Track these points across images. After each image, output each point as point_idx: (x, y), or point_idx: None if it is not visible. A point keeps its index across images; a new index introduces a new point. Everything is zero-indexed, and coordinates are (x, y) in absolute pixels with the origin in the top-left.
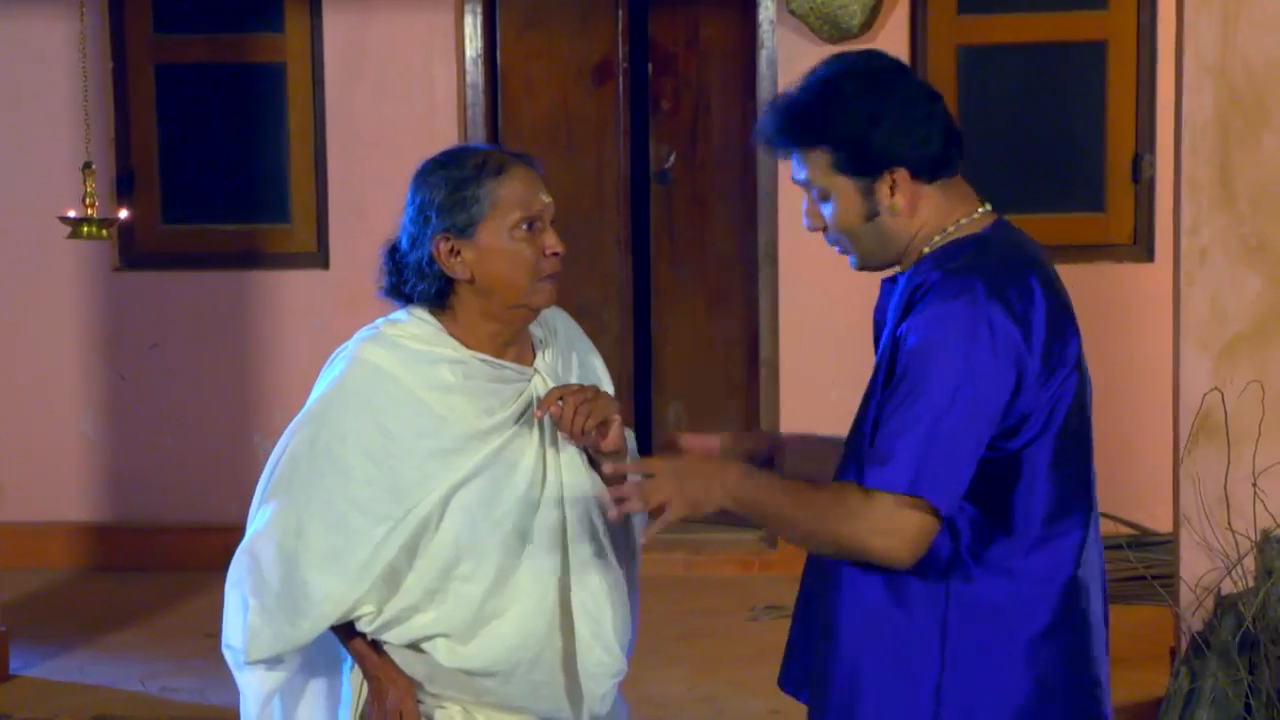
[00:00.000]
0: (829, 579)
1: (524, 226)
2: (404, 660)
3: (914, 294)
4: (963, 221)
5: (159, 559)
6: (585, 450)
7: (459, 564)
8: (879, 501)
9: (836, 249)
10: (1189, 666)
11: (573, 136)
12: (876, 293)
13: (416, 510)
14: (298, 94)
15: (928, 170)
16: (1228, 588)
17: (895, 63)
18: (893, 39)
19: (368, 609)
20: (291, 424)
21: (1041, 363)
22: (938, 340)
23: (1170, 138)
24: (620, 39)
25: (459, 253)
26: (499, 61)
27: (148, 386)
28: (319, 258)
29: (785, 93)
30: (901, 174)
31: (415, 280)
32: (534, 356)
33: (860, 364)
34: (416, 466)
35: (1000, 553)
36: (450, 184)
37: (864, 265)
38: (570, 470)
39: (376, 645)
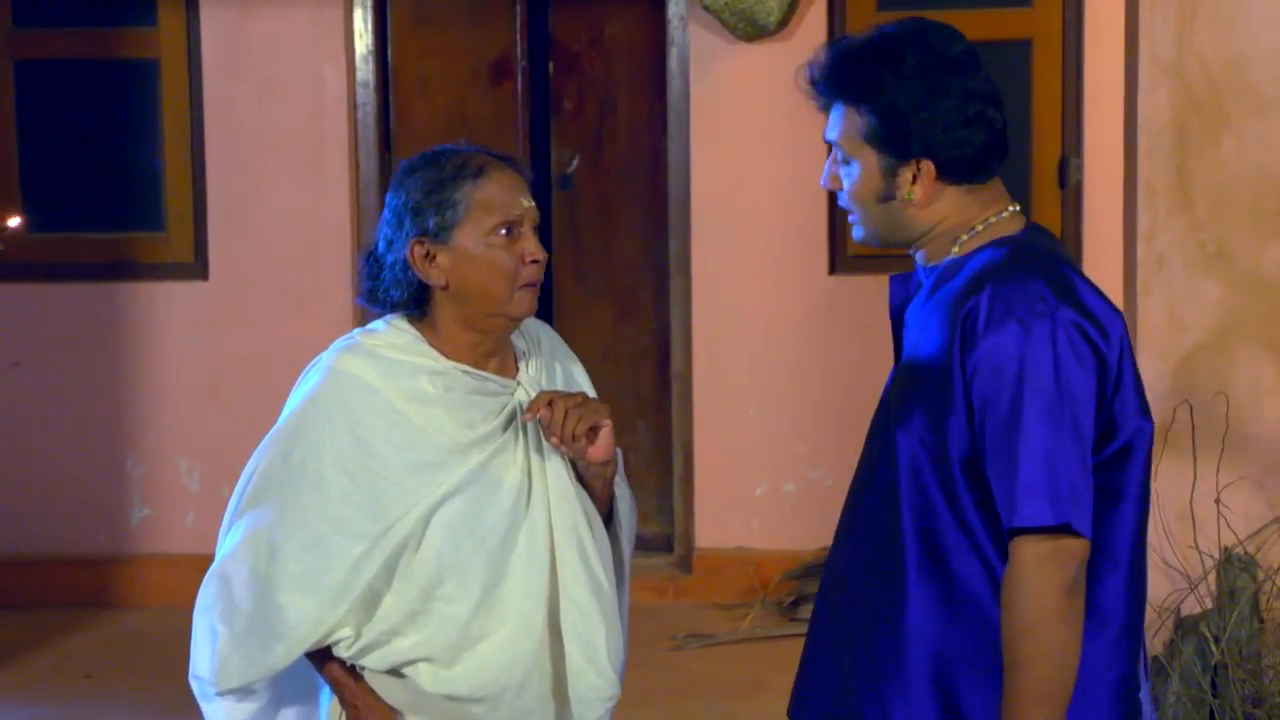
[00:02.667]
0: (889, 611)
1: (501, 232)
2: (384, 687)
3: (966, 316)
4: (991, 220)
5: (26, 595)
6: (573, 465)
7: (442, 584)
8: (1027, 549)
9: (850, 217)
10: (1150, 691)
11: (469, 138)
12: (795, 301)
13: (396, 528)
14: (173, 92)
15: (956, 172)
16: (1186, 608)
17: (970, 51)
18: (810, 36)
19: (346, 632)
20: (263, 441)
21: (1119, 370)
22: (1025, 362)
23: (1100, 141)
24: (519, 36)
25: (434, 258)
26: (390, 59)
27: (10, 408)
28: (197, 268)
29: (850, 37)
30: (928, 167)
31: (391, 286)
32: (517, 369)
33: (778, 376)
34: (395, 482)
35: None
36: (427, 186)
37: (866, 239)
38: (558, 486)
39: (355, 672)
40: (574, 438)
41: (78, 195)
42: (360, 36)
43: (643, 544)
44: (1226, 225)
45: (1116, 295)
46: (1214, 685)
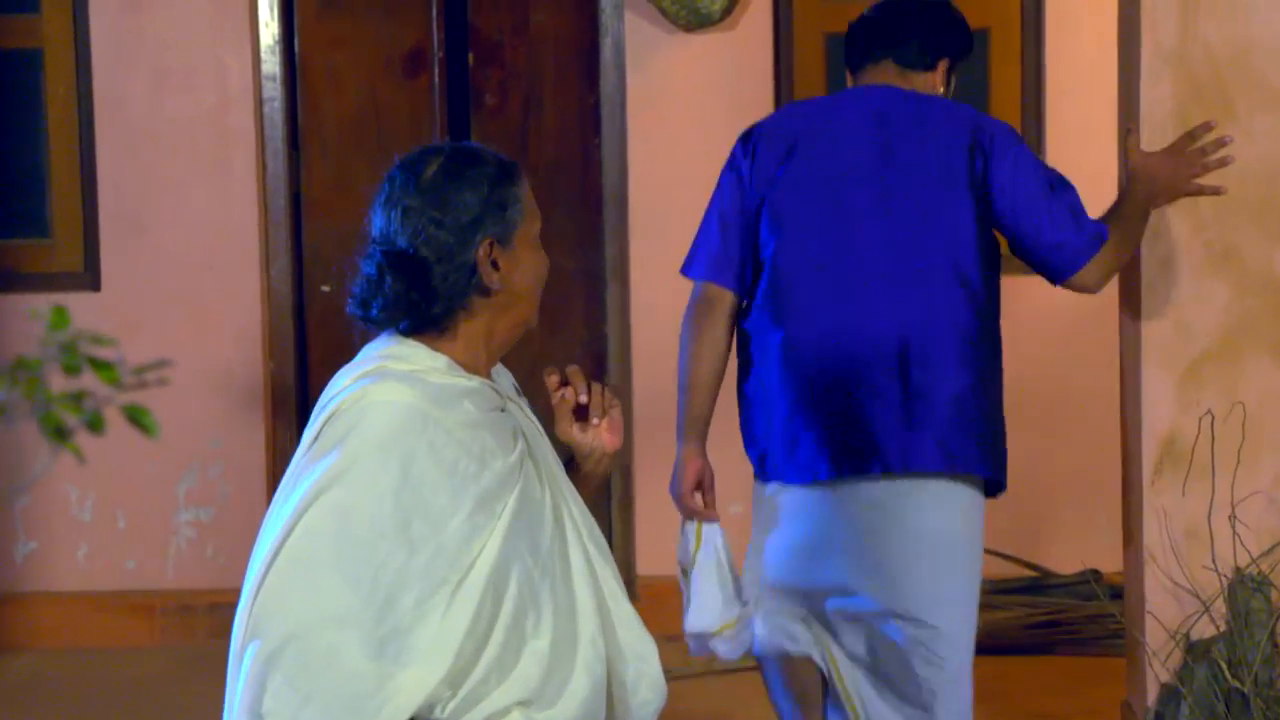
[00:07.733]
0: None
1: (538, 237)
2: None
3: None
4: None
5: None
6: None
7: (525, 618)
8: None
9: None
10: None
11: (383, 134)
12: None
13: (478, 567)
14: (58, 85)
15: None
16: (1198, 631)
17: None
18: (756, 25)
19: (444, 692)
20: (297, 498)
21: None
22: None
23: (1062, 130)
24: (435, 24)
25: (496, 262)
26: (298, 49)
27: None
28: (87, 278)
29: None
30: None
31: (450, 294)
32: None
33: (724, 389)
34: (466, 518)
35: None
36: (489, 183)
37: None
38: (572, 497)
39: None
40: (604, 413)
41: None
42: (266, 25)
43: None
44: (1234, 224)
45: (1111, 299)
46: (1228, 710)
